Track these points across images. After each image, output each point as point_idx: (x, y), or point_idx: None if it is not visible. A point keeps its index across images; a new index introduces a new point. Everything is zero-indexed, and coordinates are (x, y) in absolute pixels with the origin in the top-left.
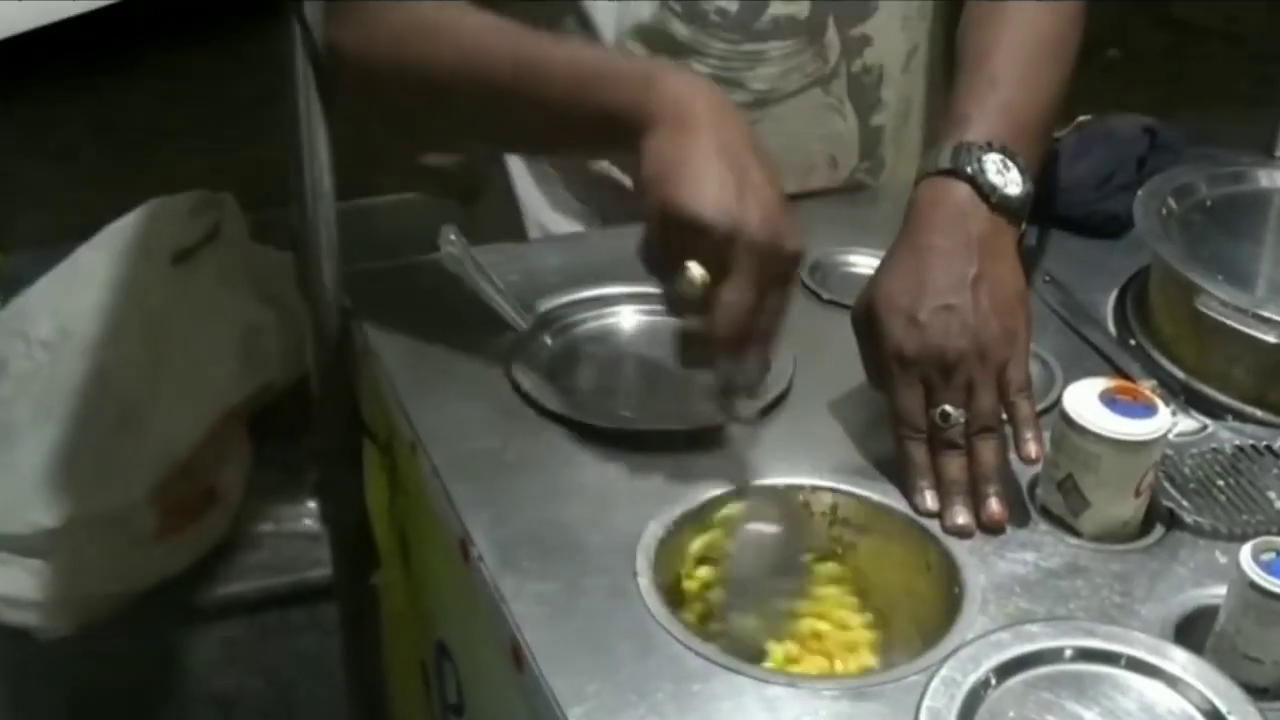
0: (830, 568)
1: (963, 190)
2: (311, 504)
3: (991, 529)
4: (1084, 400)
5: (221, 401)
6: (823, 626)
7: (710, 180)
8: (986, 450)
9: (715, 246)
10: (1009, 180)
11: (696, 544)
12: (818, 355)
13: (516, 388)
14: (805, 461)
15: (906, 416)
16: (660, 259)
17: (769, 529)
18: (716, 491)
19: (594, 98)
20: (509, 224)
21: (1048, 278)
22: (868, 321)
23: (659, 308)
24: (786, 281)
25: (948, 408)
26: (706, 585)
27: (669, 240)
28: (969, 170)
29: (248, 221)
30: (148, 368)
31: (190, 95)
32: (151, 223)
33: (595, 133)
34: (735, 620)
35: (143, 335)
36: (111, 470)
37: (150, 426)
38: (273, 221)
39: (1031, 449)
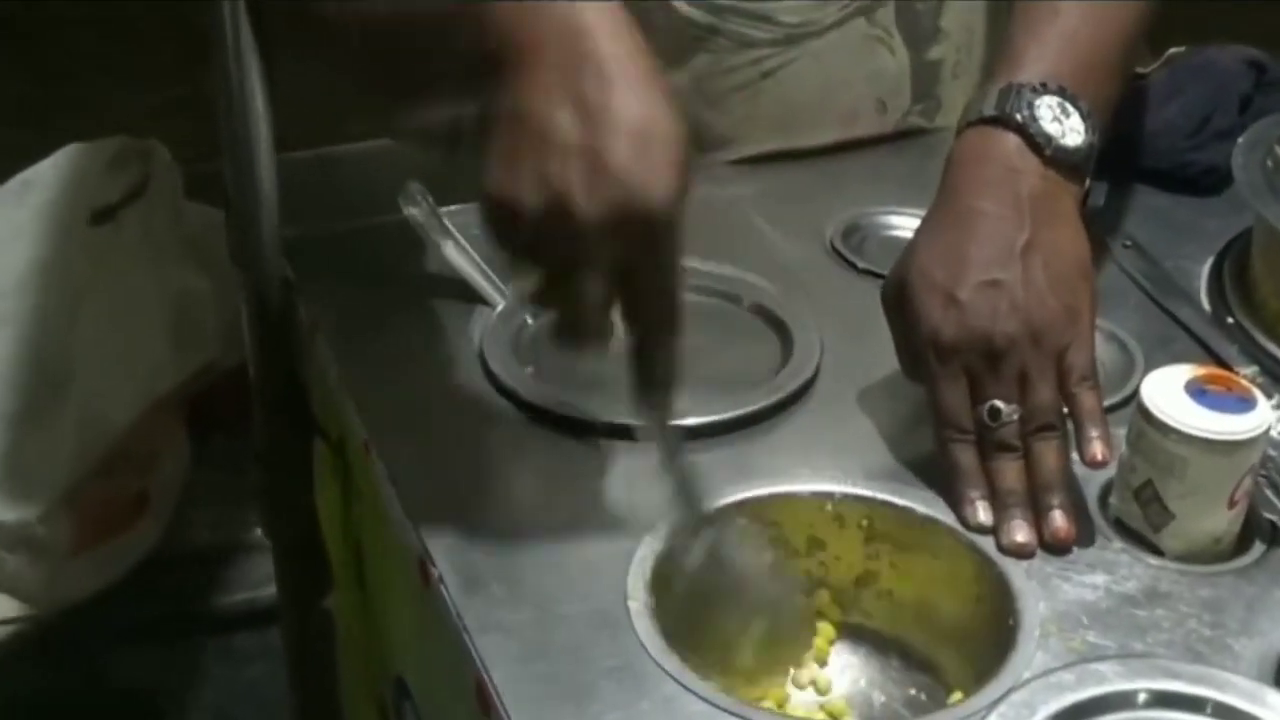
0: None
1: (1011, 142)
2: None
3: (1055, 548)
4: (1167, 391)
5: (151, 387)
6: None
7: (499, 148)
8: (1047, 453)
9: (523, 232)
10: (1067, 128)
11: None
12: (850, 336)
13: (491, 376)
14: (834, 464)
15: (949, 415)
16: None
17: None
18: (728, 499)
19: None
20: None
21: (1128, 242)
22: (899, 301)
23: None
24: (657, 251)
25: (998, 403)
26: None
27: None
28: (1018, 118)
29: (184, 174)
30: (61, 347)
31: (131, 22)
32: (66, 175)
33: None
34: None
35: (56, 308)
36: (17, 470)
37: (65, 417)
38: (215, 175)
39: (1098, 450)
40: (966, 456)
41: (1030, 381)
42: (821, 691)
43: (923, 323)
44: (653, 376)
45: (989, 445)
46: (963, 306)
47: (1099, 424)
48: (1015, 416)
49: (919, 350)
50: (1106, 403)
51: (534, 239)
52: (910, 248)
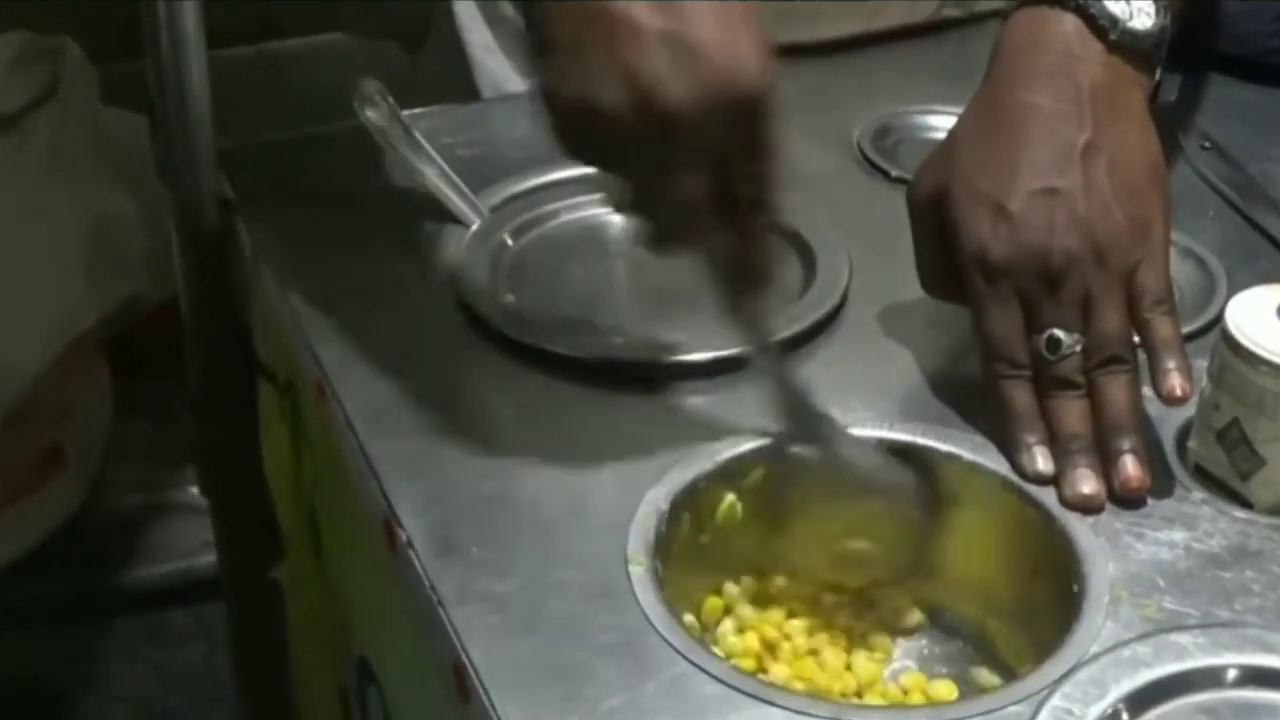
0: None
1: (1069, 24)
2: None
3: (1127, 499)
4: (1256, 315)
5: (66, 325)
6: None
7: (563, 38)
8: (1115, 389)
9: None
10: (1135, 9)
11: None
12: (882, 255)
13: (465, 307)
14: (865, 402)
15: (999, 346)
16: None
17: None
18: (743, 447)
19: None
20: (455, 79)
21: (1206, 143)
22: (935, 211)
23: None
24: (755, 136)
25: (1057, 332)
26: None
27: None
28: None
29: (100, 75)
30: None
31: None
32: None
33: None
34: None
35: None
36: None
37: None
38: (138, 75)
39: (1176, 383)
40: (1021, 395)
41: (1095, 306)
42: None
43: (967, 238)
44: (751, 282)
45: (1047, 381)
46: (1014, 219)
47: (1177, 354)
48: (1078, 348)
49: (963, 270)
50: (1186, 329)
51: (618, 140)
52: (948, 148)
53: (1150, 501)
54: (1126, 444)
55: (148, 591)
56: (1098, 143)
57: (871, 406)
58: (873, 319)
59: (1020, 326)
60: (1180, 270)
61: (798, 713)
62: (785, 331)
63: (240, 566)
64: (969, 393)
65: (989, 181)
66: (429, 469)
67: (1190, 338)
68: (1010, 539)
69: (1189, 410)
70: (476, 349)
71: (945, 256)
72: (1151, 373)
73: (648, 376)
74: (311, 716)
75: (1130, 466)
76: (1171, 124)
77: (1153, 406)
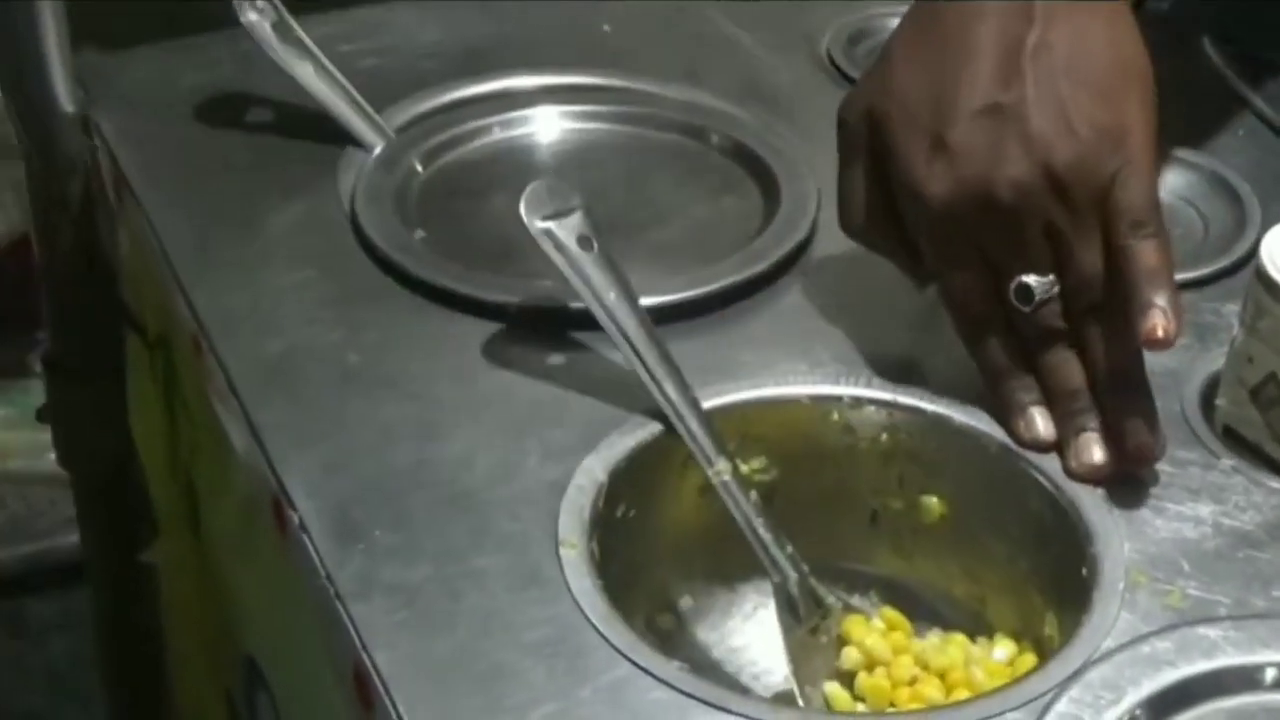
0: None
1: None
2: None
3: (1139, 468)
4: None
5: None
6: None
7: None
8: (1102, 338)
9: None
10: None
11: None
12: None
13: (367, 245)
14: (836, 354)
15: (964, 304)
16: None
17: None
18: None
19: None
20: None
21: (1228, 43)
22: (867, 141)
23: (601, 109)
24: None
25: (1025, 278)
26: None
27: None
28: None
29: None
30: None
31: None
32: None
33: None
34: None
35: None
36: None
37: None
38: None
39: (1157, 323)
40: (1000, 354)
41: (1063, 242)
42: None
43: (905, 179)
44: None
45: (1029, 336)
46: (951, 150)
47: (1161, 286)
48: (1054, 290)
49: (905, 217)
50: (1211, 268)
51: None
52: (883, 62)
53: (1171, 470)
54: (1130, 402)
55: (1, 577)
56: (1049, 39)
57: (843, 359)
58: (845, 258)
59: (982, 277)
60: (1205, 198)
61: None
62: (744, 272)
63: (107, 548)
64: (959, 344)
65: (926, 104)
66: (325, 438)
67: (1219, 277)
68: (1008, 513)
69: (1216, 362)
70: (381, 294)
71: (883, 195)
72: (1128, 310)
73: (583, 325)
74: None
75: (1142, 429)
76: (1182, 18)
77: (1173, 356)
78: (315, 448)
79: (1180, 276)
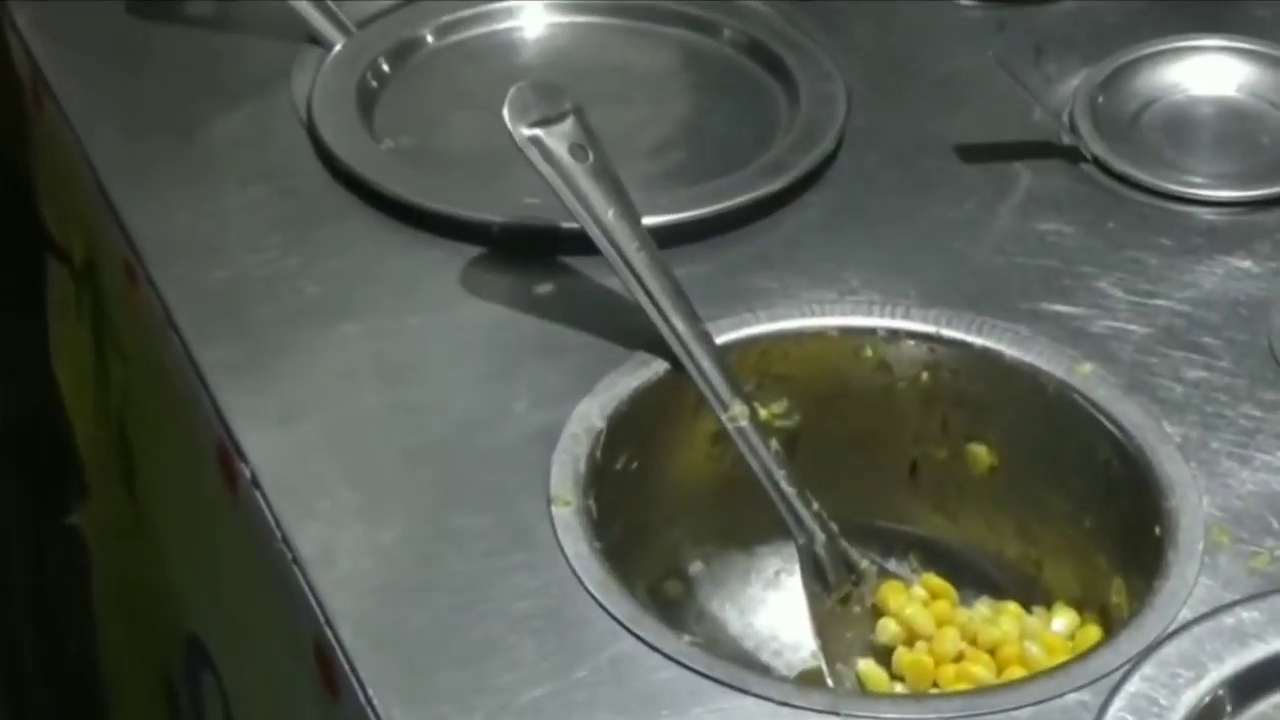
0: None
1: None
2: None
3: None
4: None
5: None
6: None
7: None
8: None
9: None
10: None
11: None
12: (893, 82)
13: (324, 156)
14: (868, 280)
15: None
16: None
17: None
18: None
19: None
20: None
21: None
22: None
23: (595, 1)
24: None
25: None
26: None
27: None
28: None
29: None
30: None
31: None
32: None
33: None
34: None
35: None
36: None
37: None
38: None
39: None
40: None
41: None
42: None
43: None
44: None
45: None
46: None
47: None
48: None
49: None
50: (1270, 190)
51: None
52: None
53: (1258, 413)
54: None
55: None
56: None
57: (876, 285)
58: (876, 167)
59: None
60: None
61: (781, 703)
62: (762, 188)
63: (28, 511)
64: (1010, 269)
65: None
66: (280, 380)
67: None
68: (1069, 461)
69: None
70: (343, 214)
71: None
72: None
73: (576, 249)
74: (124, 709)
75: None
76: None
77: (1257, 281)
78: (269, 391)
79: (1267, 190)
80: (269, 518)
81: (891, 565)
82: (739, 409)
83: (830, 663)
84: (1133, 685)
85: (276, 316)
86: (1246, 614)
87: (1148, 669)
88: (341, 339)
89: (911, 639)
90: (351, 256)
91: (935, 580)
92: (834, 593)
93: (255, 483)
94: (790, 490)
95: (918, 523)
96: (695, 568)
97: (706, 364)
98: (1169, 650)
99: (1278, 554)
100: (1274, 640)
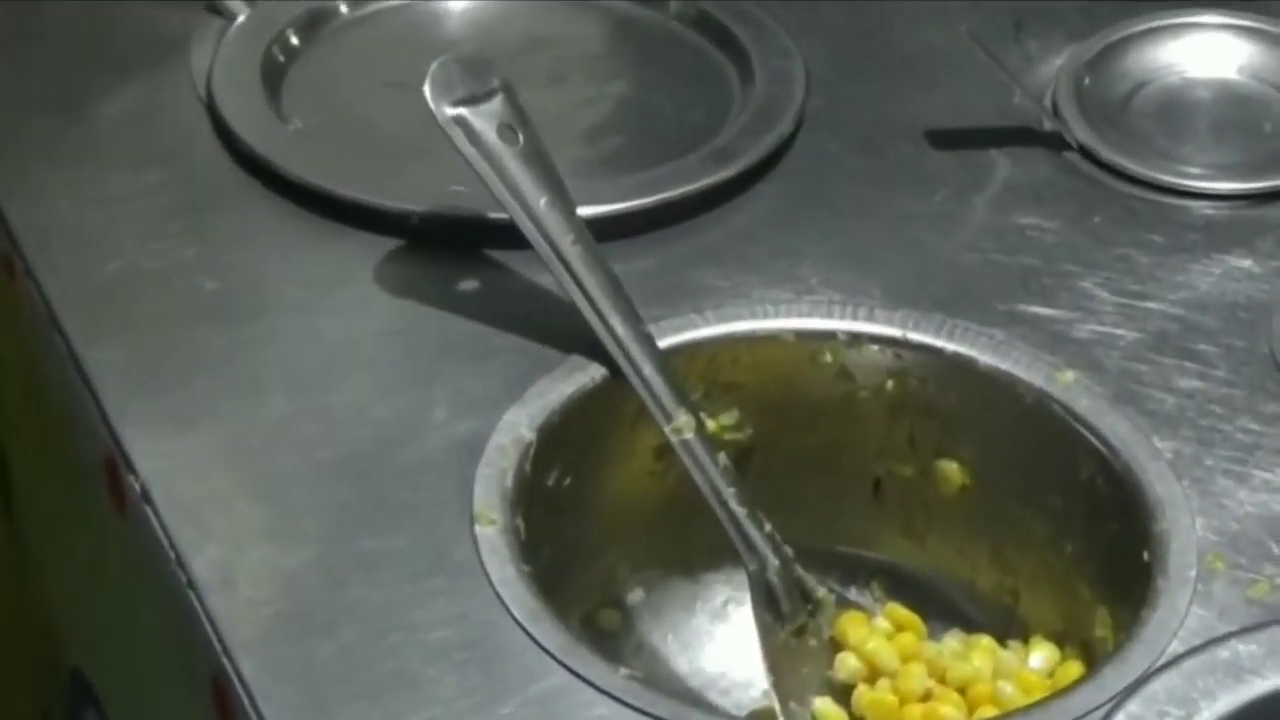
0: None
1: None
2: None
3: None
4: None
5: None
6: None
7: None
8: None
9: None
10: None
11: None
12: (857, 59)
13: (225, 137)
14: (826, 277)
15: None
16: None
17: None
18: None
19: None
20: None
21: None
22: None
23: None
24: None
25: None
26: None
27: None
28: None
29: None
30: None
31: None
32: None
33: None
34: None
35: None
36: None
37: None
38: None
39: None
40: None
41: None
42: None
43: None
44: None
45: None
46: None
47: None
48: None
49: None
50: (1273, 183)
51: None
52: None
53: (1257, 427)
54: None
55: None
56: None
57: (836, 283)
58: (837, 154)
59: None
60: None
61: None
62: (711, 176)
63: None
64: (985, 267)
65: None
66: (175, 384)
67: None
68: (1049, 484)
69: None
70: (246, 201)
71: None
72: None
73: (504, 242)
74: None
75: None
76: None
77: (1258, 283)
78: (162, 397)
79: (1270, 183)
80: (161, 537)
81: (852, 594)
82: (684, 420)
83: (784, 701)
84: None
85: (171, 314)
86: (1243, 647)
87: (1133, 707)
88: (243, 340)
89: (873, 675)
90: (255, 249)
91: (900, 611)
92: (788, 624)
93: (146, 498)
94: (740, 510)
95: (881, 548)
96: (634, 596)
97: (648, 369)
98: (1157, 686)
99: (1278, 582)
100: (1273, 676)
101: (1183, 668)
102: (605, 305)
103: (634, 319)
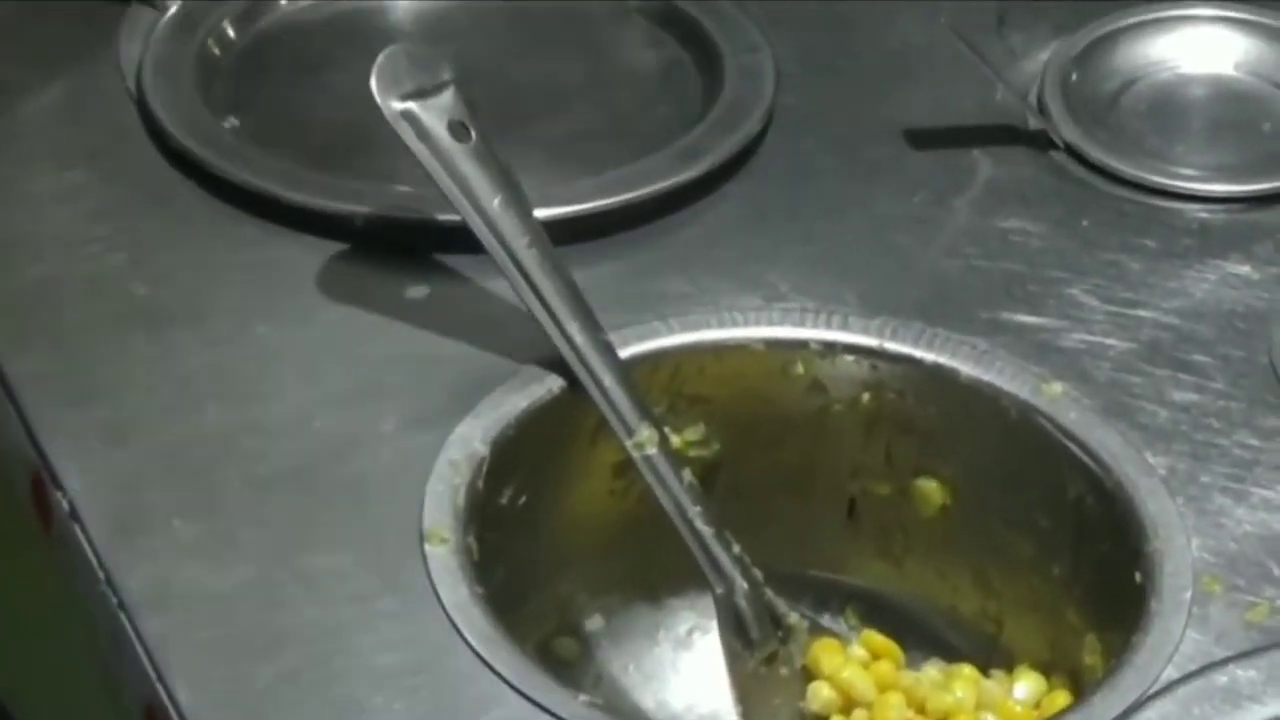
0: None
1: None
2: None
3: None
4: None
5: None
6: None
7: None
8: None
9: None
10: None
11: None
12: (829, 54)
13: (156, 135)
14: (798, 284)
15: None
16: None
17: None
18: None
19: None
20: None
21: None
22: None
23: None
24: None
25: None
26: None
27: None
28: None
29: None
30: None
31: None
32: None
33: None
34: None
35: None
36: None
37: None
38: None
39: None
40: None
41: None
42: None
43: None
44: None
45: None
46: None
47: None
48: None
49: None
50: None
51: None
52: None
53: (1255, 442)
54: None
55: None
56: None
57: (808, 290)
58: (808, 154)
59: None
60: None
61: None
62: (676, 177)
63: None
64: (966, 273)
65: None
66: (104, 394)
67: None
68: (1035, 503)
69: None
70: (179, 202)
71: None
72: None
73: (456, 245)
74: None
75: None
76: None
77: (1257, 291)
78: (91, 408)
79: (1268, 185)
80: (90, 556)
81: (825, 621)
82: (646, 434)
83: None
84: None
85: (99, 322)
86: (1242, 672)
87: None
88: (177, 348)
89: (849, 706)
90: (188, 252)
91: (877, 638)
92: (758, 651)
93: (74, 514)
94: (706, 530)
95: (856, 572)
96: (593, 623)
97: (608, 380)
98: (1150, 714)
99: (1278, 604)
100: (1274, 703)
101: (1177, 695)
102: (563, 313)
103: (594, 327)
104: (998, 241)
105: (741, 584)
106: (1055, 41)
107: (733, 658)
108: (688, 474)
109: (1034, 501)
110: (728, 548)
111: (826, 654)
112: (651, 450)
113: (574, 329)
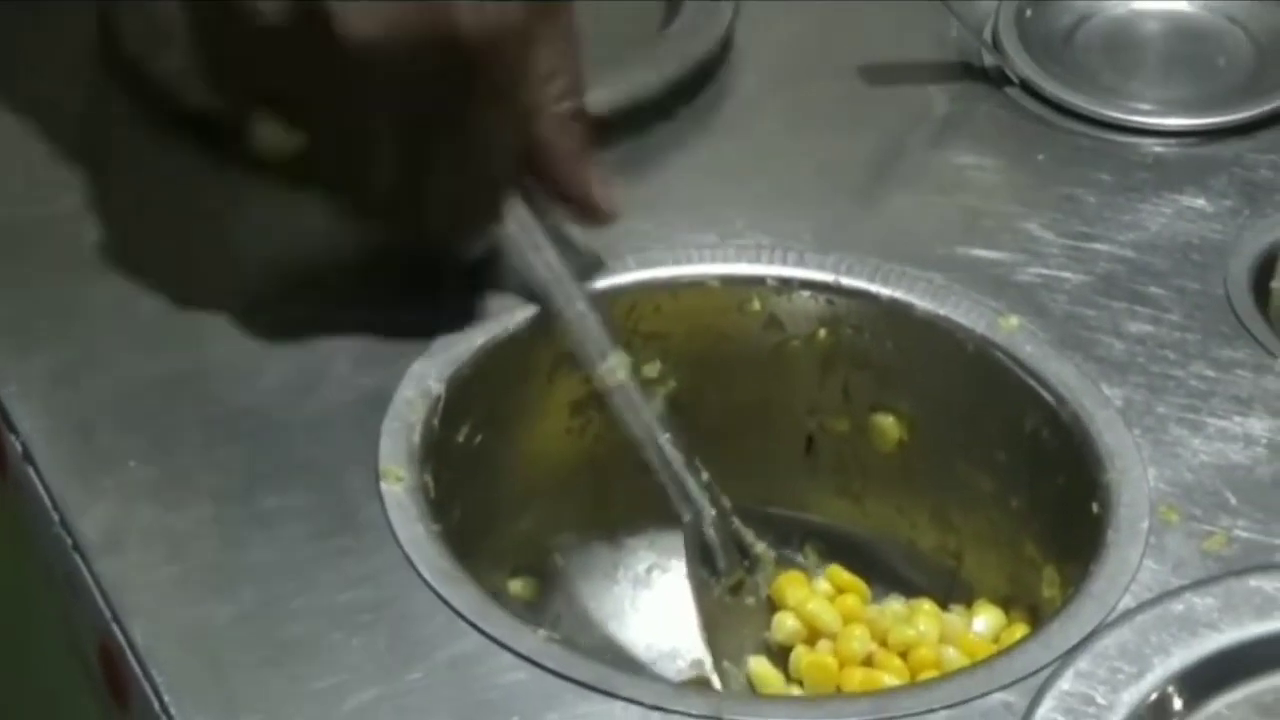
0: None
1: None
2: None
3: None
4: None
5: None
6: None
7: None
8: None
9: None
10: None
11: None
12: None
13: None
14: (754, 220)
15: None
16: None
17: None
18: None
19: None
20: None
21: None
22: None
23: None
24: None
25: None
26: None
27: None
28: None
29: None
30: None
31: None
32: None
33: None
34: None
35: None
36: None
37: None
38: None
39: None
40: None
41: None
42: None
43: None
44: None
45: None
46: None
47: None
48: None
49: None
50: (1265, 107)
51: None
52: None
53: (1212, 374)
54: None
55: None
56: None
57: (764, 226)
58: (770, 80)
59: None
60: (1257, 16)
61: (653, 707)
62: (633, 95)
63: None
64: (922, 208)
65: None
66: (56, 335)
67: (1271, 121)
68: (992, 437)
69: (1272, 232)
70: (134, 131)
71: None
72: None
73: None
74: None
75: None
76: None
77: (1215, 225)
78: (42, 348)
79: (1223, 119)
80: (44, 498)
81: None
82: (618, 359)
83: (717, 659)
84: (1065, 683)
85: (50, 259)
86: (1199, 600)
87: (1083, 664)
88: (129, 283)
89: (813, 637)
90: (143, 183)
91: (843, 573)
92: (724, 580)
93: (27, 457)
94: (677, 456)
95: (815, 509)
96: (551, 563)
97: (581, 306)
98: (1108, 642)
99: (1235, 534)
100: (1230, 630)
101: (1135, 622)
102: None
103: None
104: (953, 176)
105: (710, 511)
106: None
107: (699, 585)
108: (656, 404)
109: (991, 435)
110: (696, 475)
111: (792, 586)
112: (623, 375)
113: (551, 256)
